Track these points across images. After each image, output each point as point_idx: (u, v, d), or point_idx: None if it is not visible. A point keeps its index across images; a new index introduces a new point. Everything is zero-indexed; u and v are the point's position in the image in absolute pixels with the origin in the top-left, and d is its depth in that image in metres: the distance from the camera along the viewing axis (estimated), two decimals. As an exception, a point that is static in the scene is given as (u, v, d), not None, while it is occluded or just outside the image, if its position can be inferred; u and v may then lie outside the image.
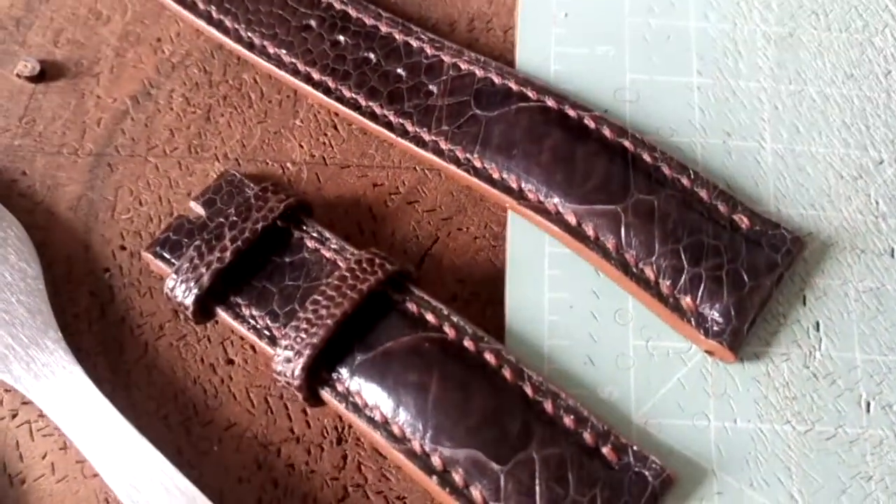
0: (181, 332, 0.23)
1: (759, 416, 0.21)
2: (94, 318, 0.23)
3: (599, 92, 0.24)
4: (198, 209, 0.24)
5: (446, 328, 0.21)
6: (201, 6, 0.26)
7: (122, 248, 0.24)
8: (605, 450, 0.20)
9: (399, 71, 0.25)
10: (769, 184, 0.23)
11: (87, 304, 0.23)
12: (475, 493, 0.19)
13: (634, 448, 0.19)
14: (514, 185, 0.22)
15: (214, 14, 0.26)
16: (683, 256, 0.21)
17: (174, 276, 0.22)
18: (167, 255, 0.23)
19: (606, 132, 0.23)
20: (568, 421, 0.20)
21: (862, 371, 0.21)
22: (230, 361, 0.23)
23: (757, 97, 0.24)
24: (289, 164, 0.25)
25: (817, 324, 0.22)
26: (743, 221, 0.22)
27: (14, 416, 0.22)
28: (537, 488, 0.19)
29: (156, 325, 0.23)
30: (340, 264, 0.22)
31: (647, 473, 0.19)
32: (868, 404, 0.21)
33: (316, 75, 0.25)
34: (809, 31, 0.25)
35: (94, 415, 0.21)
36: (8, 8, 0.27)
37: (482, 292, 0.23)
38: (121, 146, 0.25)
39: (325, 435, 0.22)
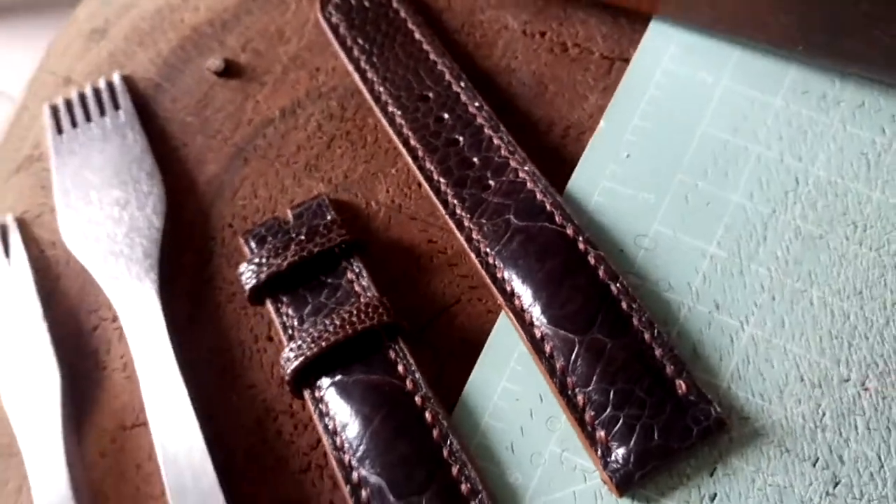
0: (245, 305, 0.30)
1: (622, 550, 0.24)
2: (192, 272, 0.31)
3: (623, 232, 0.28)
4: (289, 216, 0.30)
5: (408, 381, 0.26)
6: (356, 52, 0.32)
7: (230, 225, 0.31)
8: (482, 522, 0.24)
9: (474, 160, 0.30)
10: (732, 363, 0.26)
11: (191, 260, 0.31)
12: (370, 510, 0.25)
13: (502, 530, 0.24)
14: (509, 289, 0.27)
15: (363, 63, 0.32)
16: (611, 398, 0.25)
17: (246, 264, 0.29)
18: (252, 245, 0.30)
19: (601, 272, 0.26)
20: (464, 488, 0.25)
21: (731, 550, 0.24)
22: (270, 339, 0.30)
23: (760, 283, 0.27)
24: (373, 203, 0.31)
25: (714, 495, 0.25)
26: (681, 387, 0.25)
27: (115, 320, 0.30)
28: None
29: (230, 293, 0.30)
30: (361, 300, 0.28)
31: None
32: (722, 578, 0.24)
33: (413, 142, 0.30)
34: (840, 240, 0.27)
35: (156, 343, 0.28)
36: (221, 11, 0.35)
37: (476, 357, 0.28)
38: (258, 146, 0.32)
39: (312, 420, 0.28)
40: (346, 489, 0.25)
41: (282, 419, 0.28)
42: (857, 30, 0.26)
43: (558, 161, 0.30)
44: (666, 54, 0.30)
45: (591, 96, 0.32)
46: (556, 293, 0.26)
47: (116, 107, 0.33)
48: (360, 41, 0.33)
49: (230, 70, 0.33)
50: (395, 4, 0.33)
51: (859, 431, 0.25)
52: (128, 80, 0.33)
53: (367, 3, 0.33)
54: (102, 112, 0.32)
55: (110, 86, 0.33)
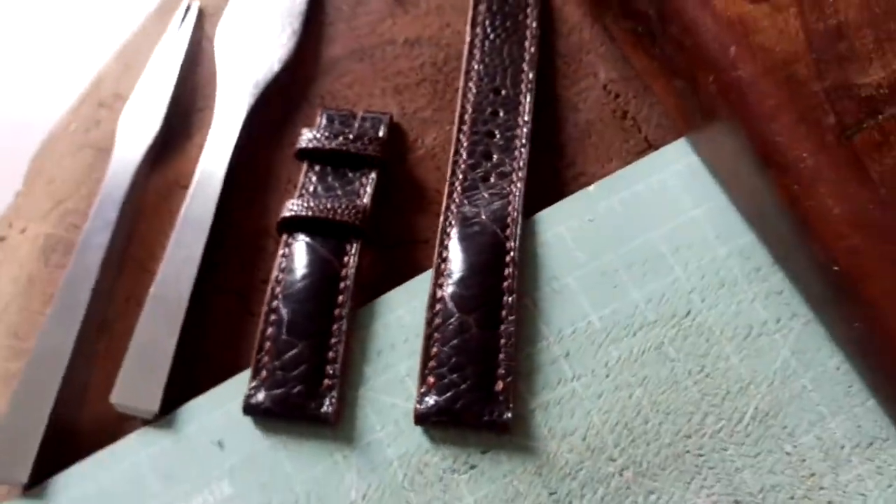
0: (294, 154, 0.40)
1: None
2: (277, 112, 0.41)
3: (546, 268, 0.36)
4: (359, 115, 0.39)
5: (344, 270, 0.36)
6: (478, 29, 0.40)
7: (322, 97, 0.41)
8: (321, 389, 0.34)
9: (494, 156, 0.38)
10: (548, 396, 0.34)
11: (282, 104, 0.41)
12: (268, 329, 0.35)
13: (334, 397, 0.34)
14: (445, 254, 0.36)
15: (477, 40, 0.40)
16: (450, 362, 0.33)
17: (307, 130, 0.39)
18: (323, 119, 0.39)
19: (505, 284, 0.34)
20: (330, 355, 0.34)
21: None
22: (294, 186, 0.39)
23: (606, 361, 0.34)
24: (420, 141, 0.40)
25: (475, 466, 0.33)
26: (499, 385, 0.33)
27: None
28: (281, 361, 0.34)
29: (291, 140, 0.40)
30: (356, 201, 0.37)
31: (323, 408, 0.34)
32: None
33: (466, 116, 0.38)
34: (684, 371, 0.34)
35: (224, 140, 0.39)
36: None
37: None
38: (375, 55, 0.41)
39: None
40: (264, 308, 0.36)
41: (271, 240, 0.39)
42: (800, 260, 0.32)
43: (553, 193, 0.38)
44: (671, 167, 0.36)
45: (614, 162, 0.38)
46: (468, 279, 0.35)
47: (304, -31, 0.42)
48: (486, 24, 0.40)
49: (405, 3, 0.42)
50: (528, 12, 0.40)
51: (595, 496, 0.33)
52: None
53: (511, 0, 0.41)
54: (292, -32, 0.42)
55: (308, -49, 0.42)
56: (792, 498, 0.32)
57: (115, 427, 0.36)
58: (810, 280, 0.32)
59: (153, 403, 0.35)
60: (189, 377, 0.36)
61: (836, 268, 0.29)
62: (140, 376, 0.35)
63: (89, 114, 0.42)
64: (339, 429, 0.34)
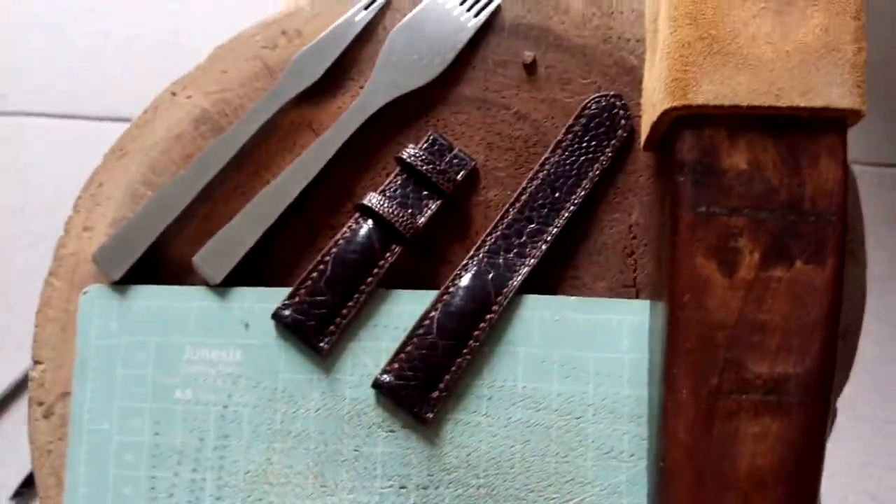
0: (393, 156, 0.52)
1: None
2: (402, 114, 0.52)
3: (510, 334, 0.49)
4: (454, 149, 0.51)
5: (381, 261, 0.49)
6: (569, 135, 0.51)
7: (443, 122, 0.52)
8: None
9: (524, 237, 0.49)
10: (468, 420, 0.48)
11: (403, 113, 0.52)
12: (314, 272, 0.49)
13: (333, 339, 0.48)
14: (448, 290, 0.48)
15: (564, 144, 0.51)
16: (412, 363, 0.47)
17: (413, 146, 0.50)
18: (429, 140, 0.51)
19: (476, 332, 0.48)
20: (340, 321, 0.48)
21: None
22: (386, 175, 0.52)
23: (519, 419, 0.48)
24: (483, 192, 0.52)
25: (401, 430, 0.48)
26: (435, 394, 0.47)
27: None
28: (311, 298, 0.48)
29: (401, 145, 0.52)
30: (415, 217, 0.50)
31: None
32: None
33: (522, 196, 0.50)
34: (540, 441, 0.48)
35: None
36: (601, 41, 0.52)
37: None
38: (492, 115, 0.52)
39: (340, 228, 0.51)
40: (319, 256, 0.49)
41: (350, 204, 0.51)
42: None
43: (550, 281, 0.50)
44: (630, 316, 0.48)
45: (604, 283, 0.50)
46: (454, 315, 0.48)
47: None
48: (576, 134, 0.51)
49: (529, 67, 0.52)
50: (611, 143, 0.51)
51: (456, 492, 0.47)
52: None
53: (610, 122, 0.51)
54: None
55: None
56: (571, 562, 0.47)
57: (185, 274, 0.50)
58: (654, 450, 0.45)
59: (218, 276, 0.49)
60: (250, 268, 0.50)
61: (661, 463, 0.42)
62: (220, 253, 0.49)
63: (272, 36, 0.53)
64: (326, 360, 0.49)
